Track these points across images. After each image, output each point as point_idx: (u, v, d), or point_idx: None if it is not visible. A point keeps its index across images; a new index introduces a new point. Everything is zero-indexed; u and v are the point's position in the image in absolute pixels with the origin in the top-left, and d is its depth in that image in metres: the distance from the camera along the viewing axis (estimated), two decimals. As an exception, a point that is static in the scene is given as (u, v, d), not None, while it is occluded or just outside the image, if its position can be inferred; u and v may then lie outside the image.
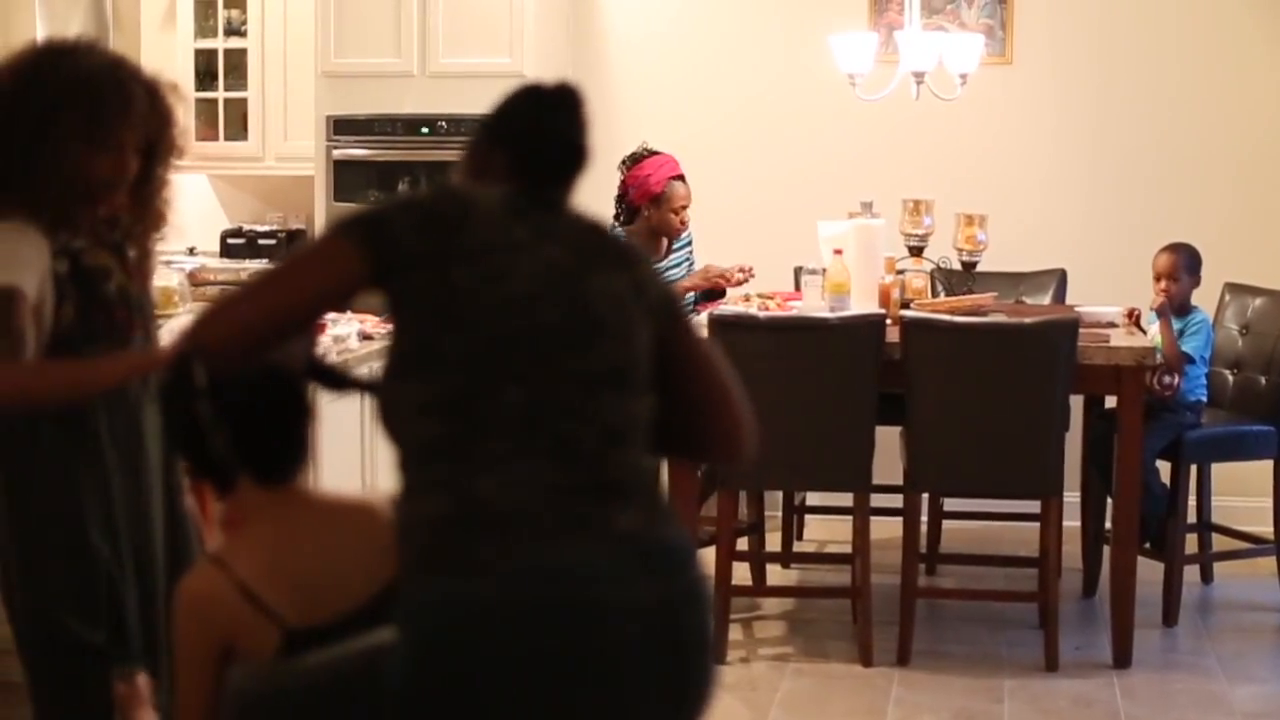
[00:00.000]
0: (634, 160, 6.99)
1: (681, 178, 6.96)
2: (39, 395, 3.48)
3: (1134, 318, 6.38)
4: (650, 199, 6.90)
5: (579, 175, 2.88)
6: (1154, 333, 6.46)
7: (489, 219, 2.69)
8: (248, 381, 2.81)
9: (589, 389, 2.62)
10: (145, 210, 3.69)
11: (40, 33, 8.22)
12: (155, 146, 3.62)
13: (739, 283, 6.89)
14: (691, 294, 6.89)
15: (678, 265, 7.08)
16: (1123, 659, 5.98)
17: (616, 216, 6.99)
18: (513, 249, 2.66)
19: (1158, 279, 6.61)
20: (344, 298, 2.74)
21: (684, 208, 6.96)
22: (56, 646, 3.60)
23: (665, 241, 7.04)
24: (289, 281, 2.71)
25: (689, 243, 7.16)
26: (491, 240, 2.66)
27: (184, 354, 2.85)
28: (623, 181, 6.98)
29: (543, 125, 2.88)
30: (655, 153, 7.02)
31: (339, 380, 2.95)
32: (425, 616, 2.52)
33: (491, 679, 2.48)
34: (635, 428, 2.66)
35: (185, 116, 3.74)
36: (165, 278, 5.61)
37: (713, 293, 6.92)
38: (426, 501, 2.56)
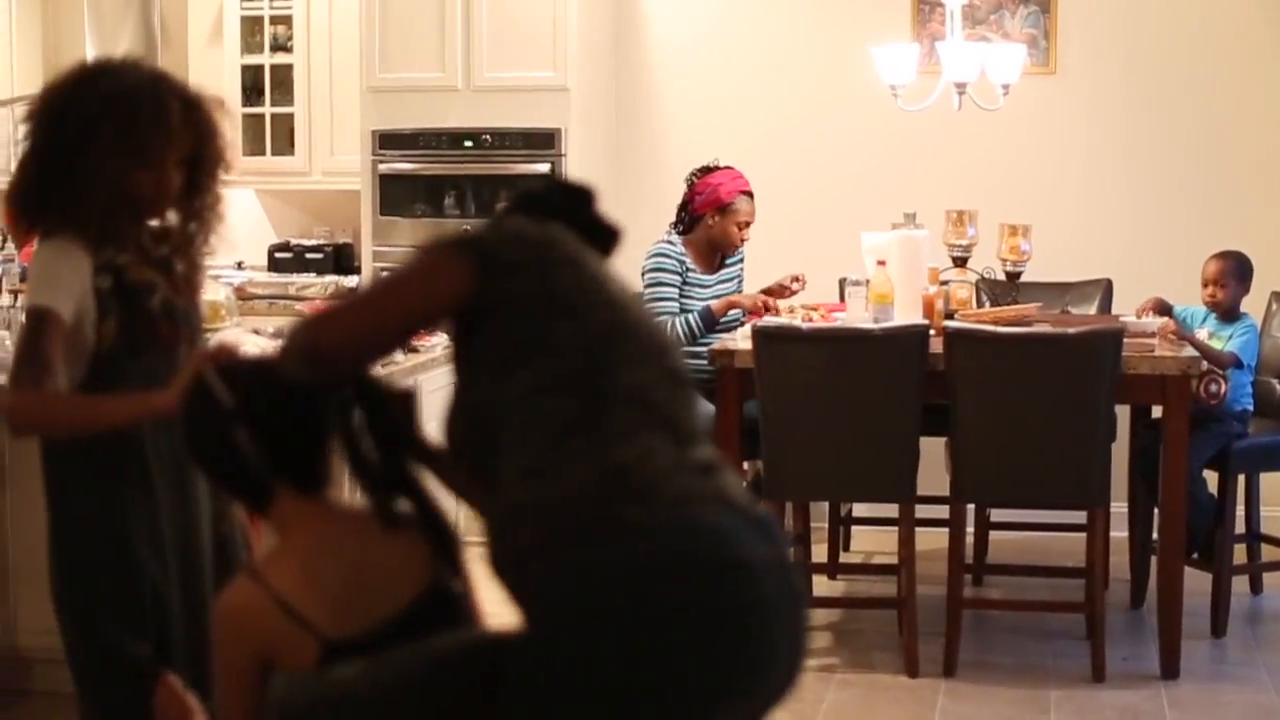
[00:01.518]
0: (705, 170, 7.02)
1: (749, 194, 6.97)
2: (54, 426, 3.52)
3: (1173, 330, 6.32)
4: (717, 208, 6.92)
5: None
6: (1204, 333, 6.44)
7: (573, 242, 2.89)
8: (271, 394, 2.84)
9: (677, 384, 2.82)
10: (192, 224, 3.71)
11: (90, 51, 8.30)
12: (200, 161, 3.64)
13: (792, 294, 6.88)
14: (738, 311, 6.88)
15: (728, 281, 7.08)
16: (1171, 670, 5.95)
17: (676, 224, 7.01)
18: (598, 266, 2.89)
19: (1205, 285, 6.58)
20: (450, 309, 2.81)
21: (748, 224, 6.98)
22: (103, 660, 3.62)
23: (719, 257, 7.05)
24: (400, 292, 2.83)
25: (740, 259, 7.16)
26: (582, 256, 2.87)
27: (200, 375, 2.88)
28: (690, 189, 7.00)
29: (587, 214, 3.04)
30: (727, 167, 7.03)
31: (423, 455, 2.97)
32: (585, 583, 2.56)
33: (663, 635, 2.55)
34: (707, 429, 2.86)
35: (231, 131, 3.76)
36: (213, 292, 5.66)
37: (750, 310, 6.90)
38: (564, 477, 2.63)
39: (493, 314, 2.75)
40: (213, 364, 2.99)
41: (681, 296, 6.89)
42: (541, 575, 2.60)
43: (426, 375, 5.72)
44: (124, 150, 3.51)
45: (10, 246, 5.88)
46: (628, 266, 3.14)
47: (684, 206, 7.02)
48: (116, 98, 3.52)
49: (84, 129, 3.50)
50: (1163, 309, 6.57)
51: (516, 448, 2.68)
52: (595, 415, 2.68)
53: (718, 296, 6.94)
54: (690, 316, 6.79)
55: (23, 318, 3.54)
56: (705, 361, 6.25)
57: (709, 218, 6.94)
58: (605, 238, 3.03)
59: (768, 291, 6.93)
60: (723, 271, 7.09)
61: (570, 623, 2.57)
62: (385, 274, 2.89)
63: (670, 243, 6.94)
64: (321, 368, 2.80)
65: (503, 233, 2.85)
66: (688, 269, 6.92)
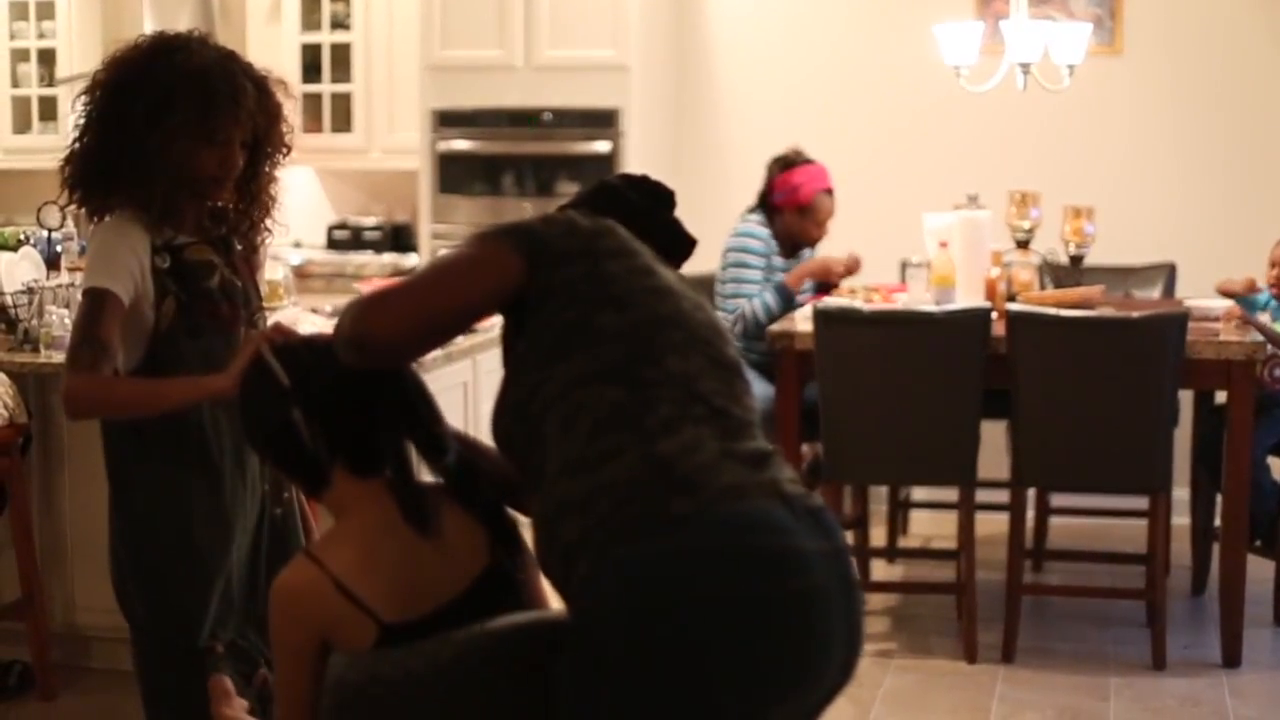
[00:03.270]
0: (785, 165, 6.96)
1: (830, 191, 6.94)
2: (111, 409, 3.53)
3: (1238, 315, 6.24)
4: (796, 207, 6.90)
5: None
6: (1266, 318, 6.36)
7: (625, 234, 2.86)
8: (329, 375, 2.82)
9: (727, 373, 2.77)
10: (252, 205, 3.70)
11: (148, 26, 8.31)
12: (262, 142, 3.63)
13: (850, 273, 6.85)
14: (808, 283, 6.85)
15: (800, 261, 7.04)
16: (1232, 658, 5.90)
17: (756, 209, 6.97)
18: (650, 258, 2.84)
19: (1273, 266, 6.50)
20: (502, 299, 2.77)
21: (826, 221, 6.95)
22: (163, 642, 3.63)
23: (793, 247, 7.03)
24: (452, 281, 2.78)
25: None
26: (633, 247, 2.83)
27: (258, 354, 2.86)
28: (770, 182, 6.97)
29: (665, 219, 3.04)
30: (808, 161, 6.98)
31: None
32: (633, 577, 2.53)
33: (714, 625, 2.51)
34: (758, 418, 2.79)
35: (294, 114, 3.74)
36: (271, 271, 5.65)
37: (823, 284, 6.88)
38: (608, 470, 2.59)
39: (541, 305, 2.72)
40: (270, 344, 2.97)
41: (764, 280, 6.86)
42: (588, 573, 2.57)
43: (484, 355, 5.70)
44: (195, 129, 3.49)
45: (70, 223, 5.88)
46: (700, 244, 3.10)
47: (764, 197, 6.98)
48: (191, 74, 3.50)
49: (157, 105, 3.48)
50: (1252, 289, 6.46)
51: (560, 441, 2.65)
52: (640, 406, 2.64)
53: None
54: (768, 295, 6.76)
55: (79, 297, 3.52)
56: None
57: (787, 214, 6.91)
58: (680, 246, 3.02)
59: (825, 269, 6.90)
60: (799, 255, 7.05)
61: (618, 620, 2.53)
62: (436, 261, 2.85)
63: (757, 224, 6.90)
64: (370, 355, 2.77)
65: (554, 223, 2.82)
66: (771, 254, 6.88)
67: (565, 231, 2.79)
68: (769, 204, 6.96)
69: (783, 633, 2.56)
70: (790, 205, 6.90)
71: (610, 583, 2.54)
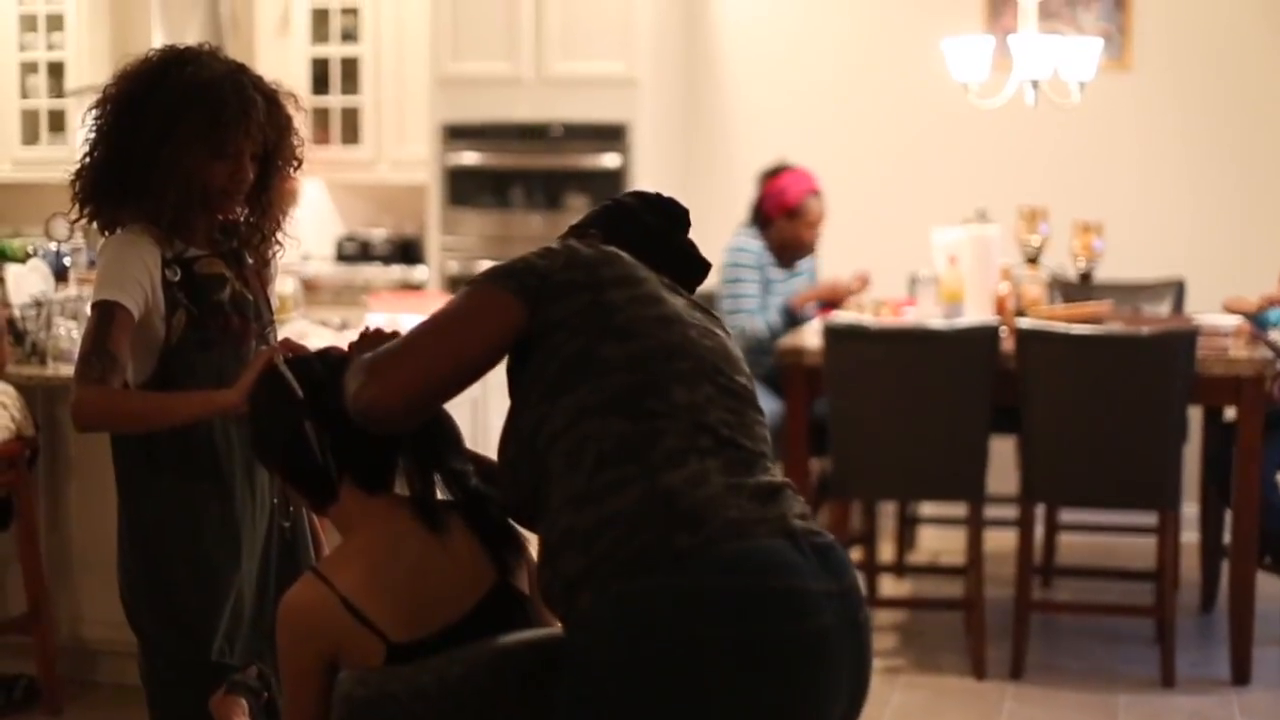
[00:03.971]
0: (771, 174, 7.00)
1: (817, 193, 6.95)
2: (119, 423, 3.51)
3: (1248, 332, 6.22)
4: (785, 212, 6.92)
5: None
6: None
7: (629, 262, 2.81)
8: (341, 390, 2.80)
9: (737, 403, 2.73)
10: (263, 218, 3.69)
11: (157, 39, 8.32)
12: (273, 155, 3.62)
13: (856, 292, 6.85)
14: (812, 304, 6.86)
15: (801, 275, 7.06)
16: (1241, 676, 5.88)
17: (749, 224, 6.99)
18: (656, 286, 2.79)
19: (1281, 280, 6.49)
20: (508, 344, 2.73)
21: (817, 224, 6.96)
22: (173, 657, 3.62)
23: (793, 257, 7.03)
24: (451, 341, 2.73)
25: (811, 253, 7.14)
26: (637, 275, 2.78)
27: (272, 365, 2.85)
28: (759, 190, 7.02)
29: (679, 241, 3.02)
30: (792, 167, 7.01)
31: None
32: (632, 613, 2.51)
33: (714, 665, 2.48)
34: (770, 448, 2.76)
35: (304, 127, 3.74)
36: (279, 283, 5.64)
37: (830, 301, 6.88)
38: (610, 503, 2.56)
39: (545, 337, 2.69)
40: (284, 356, 2.97)
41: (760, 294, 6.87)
42: (588, 607, 2.55)
43: (494, 372, 5.68)
44: (205, 142, 3.49)
45: (79, 236, 5.88)
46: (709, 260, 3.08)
47: (756, 208, 7.01)
48: (202, 87, 3.49)
49: (169, 118, 3.47)
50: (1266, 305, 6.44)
51: (565, 473, 2.62)
52: (644, 438, 2.60)
53: (791, 294, 6.91)
54: (772, 313, 6.78)
55: (88, 309, 3.52)
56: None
57: (779, 221, 6.93)
58: (694, 269, 2.99)
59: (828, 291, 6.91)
60: (796, 267, 7.08)
61: (616, 657, 2.51)
62: (435, 317, 2.76)
63: (749, 238, 6.91)
64: (377, 425, 2.73)
65: (554, 255, 2.76)
66: (765, 266, 6.90)
67: (566, 263, 2.74)
68: (761, 216, 7.00)
69: (784, 674, 2.52)
70: (779, 210, 6.94)
71: (610, 618, 2.52)
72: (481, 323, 2.71)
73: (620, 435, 2.60)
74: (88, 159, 3.57)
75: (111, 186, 3.55)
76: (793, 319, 6.76)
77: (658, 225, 2.99)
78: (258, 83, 3.60)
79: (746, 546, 2.54)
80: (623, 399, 2.63)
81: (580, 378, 2.65)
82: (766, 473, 2.67)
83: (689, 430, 2.62)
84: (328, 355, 2.99)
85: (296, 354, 3.03)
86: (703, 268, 3.01)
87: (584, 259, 2.76)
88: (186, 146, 3.47)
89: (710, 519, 2.54)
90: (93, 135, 3.58)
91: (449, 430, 2.91)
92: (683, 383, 2.67)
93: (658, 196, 3.06)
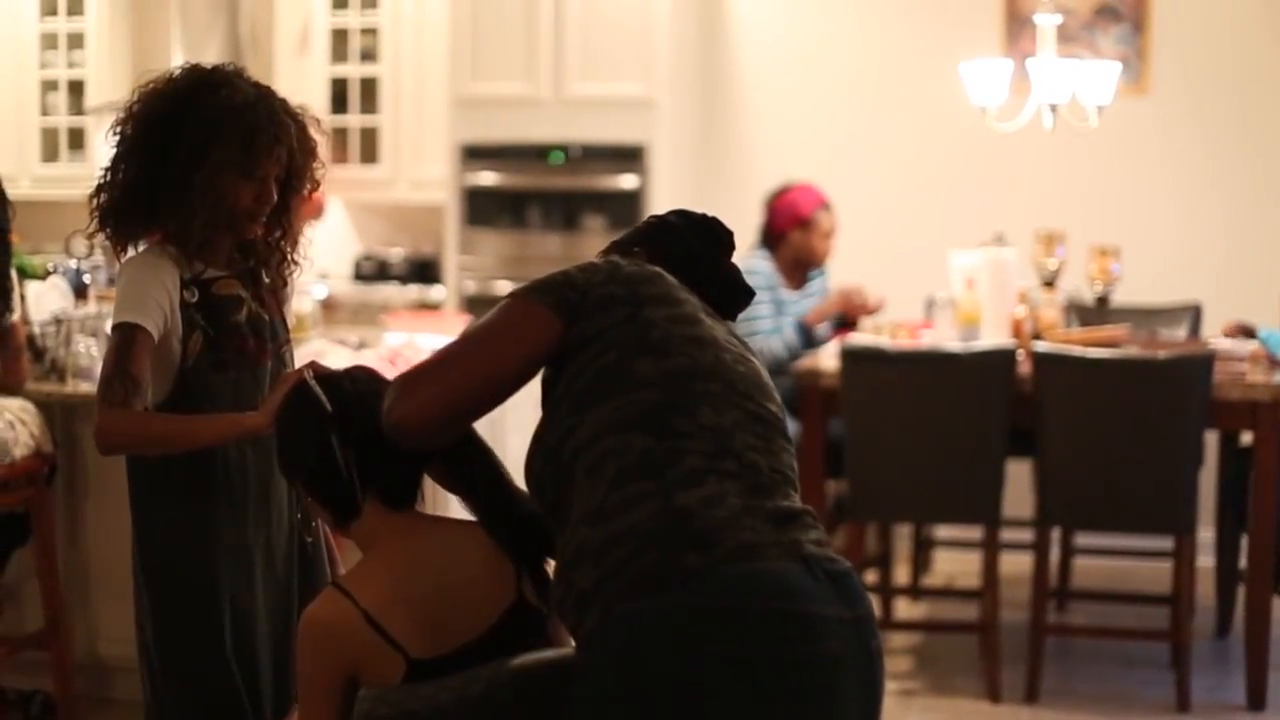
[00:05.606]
0: (779, 192, 7.06)
1: (827, 206, 6.98)
2: (144, 446, 3.52)
3: (1265, 357, 6.19)
4: (798, 223, 6.95)
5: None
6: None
7: (670, 282, 2.81)
8: (370, 404, 2.82)
9: (765, 429, 2.72)
10: (282, 238, 3.71)
11: (177, 57, 8.34)
12: (294, 177, 3.64)
13: (872, 312, 6.86)
14: (827, 321, 6.87)
15: (814, 296, 7.07)
16: (1257, 701, 5.87)
17: (759, 246, 7.00)
18: (695, 308, 2.79)
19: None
20: (542, 359, 2.74)
21: (830, 234, 6.98)
22: (185, 680, 3.61)
23: (804, 272, 7.05)
24: (487, 351, 2.72)
25: (823, 274, 7.16)
26: (678, 296, 2.78)
27: (301, 381, 2.86)
28: (769, 209, 7.04)
29: (722, 266, 3.01)
30: (800, 184, 7.07)
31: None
32: (638, 632, 2.49)
33: (716, 687, 2.47)
34: (795, 476, 2.74)
35: (324, 149, 3.75)
36: (297, 302, 5.66)
37: (844, 320, 6.89)
38: (624, 518, 2.55)
39: (580, 349, 2.69)
40: (312, 373, 2.99)
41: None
42: (596, 624, 2.54)
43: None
44: (239, 166, 3.50)
45: (98, 253, 5.89)
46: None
47: (766, 227, 7.03)
48: (237, 111, 3.50)
49: (203, 141, 3.48)
50: (1248, 331, 6.46)
51: (586, 486, 2.61)
52: (666, 456, 2.59)
53: (803, 313, 6.92)
54: (788, 333, 6.79)
55: (108, 328, 3.53)
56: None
57: (792, 234, 6.95)
58: (736, 295, 2.99)
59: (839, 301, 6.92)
60: (807, 287, 7.09)
61: (621, 676, 2.50)
62: (470, 331, 2.76)
63: (758, 259, 6.93)
64: (408, 443, 2.74)
65: (595, 270, 2.77)
66: (775, 287, 6.91)
67: (607, 278, 2.74)
68: (772, 234, 7.03)
69: (790, 699, 2.50)
70: (792, 223, 6.97)
71: (616, 636, 2.51)
72: (517, 338, 2.71)
73: (642, 452, 2.59)
74: (114, 176, 3.57)
75: (138, 206, 3.55)
76: (809, 337, 6.77)
77: (702, 248, 2.98)
78: (286, 106, 3.61)
79: (756, 568, 2.53)
80: (649, 416, 2.62)
81: (610, 392, 2.65)
82: (787, 498, 2.66)
83: (712, 452, 2.61)
84: (354, 373, 3.01)
85: (327, 372, 3.04)
86: (746, 294, 3.00)
87: (625, 275, 2.76)
88: (219, 170, 3.49)
89: (722, 540, 2.52)
90: (116, 153, 3.58)
91: (482, 448, 2.92)
92: (711, 404, 2.66)
93: (703, 218, 3.05)
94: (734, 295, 2.99)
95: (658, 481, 2.57)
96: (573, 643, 2.80)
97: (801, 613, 2.52)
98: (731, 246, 3.03)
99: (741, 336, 2.89)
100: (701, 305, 2.82)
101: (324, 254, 8.11)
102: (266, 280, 3.71)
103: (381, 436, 2.79)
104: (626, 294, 2.72)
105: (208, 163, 3.47)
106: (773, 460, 2.69)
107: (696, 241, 2.99)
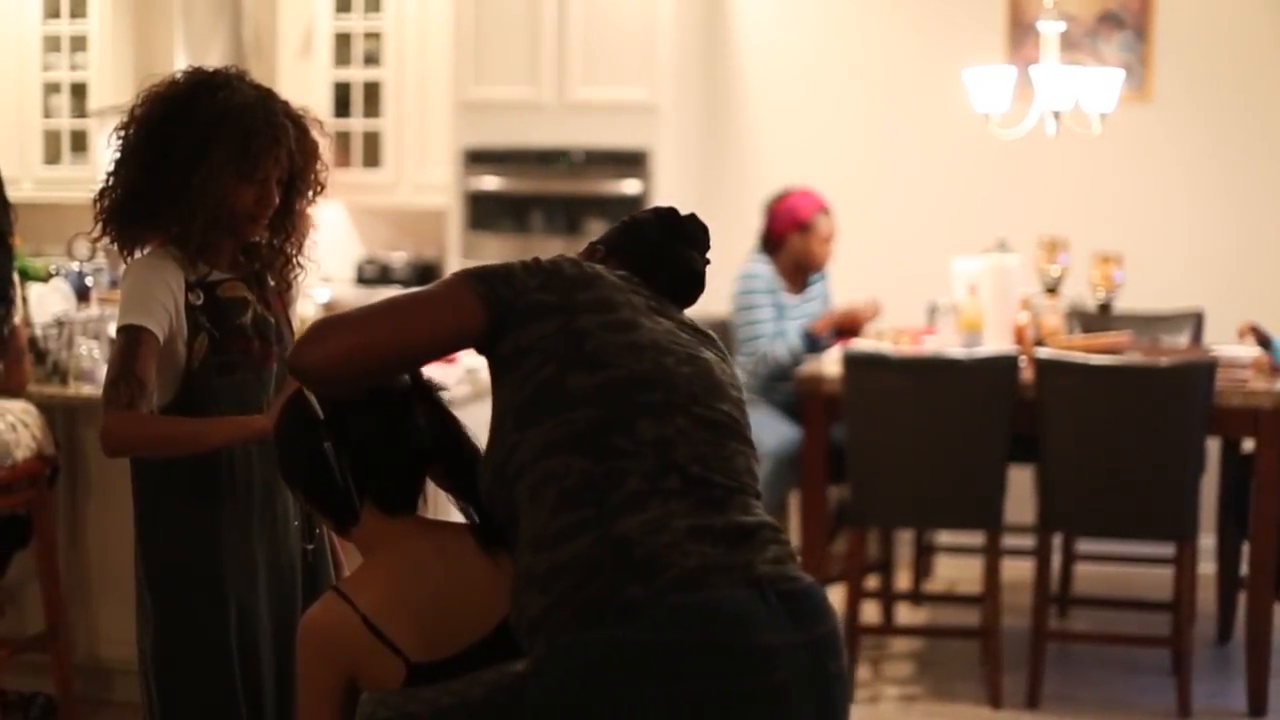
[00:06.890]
0: (778, 197, 7.06)
1: (827, 211, 6.99)
2: (150, 448, 3.52)
3: (1267, 363, 6.19)
4: (798, 227, 6.95)
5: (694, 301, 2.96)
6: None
7: (610, 284, 2.73)
8: (366, 411, 2.82)
9: (715, 436, 2.63)
10: (286, 241, 3.71)
11: (180, 60, 8.35)
12: (297, 180, 3.64)
13: (873, 318, 6.86)
14: (830, 331, 6.87)
15: (813, 300, 7.07)
16: (1258, 707, 5.87)
17: (758, 250, 7.01)
18: (634, 310, 2.70)
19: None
20: (456, 346, 2.73)
21: (830, 239, 6.98)
22: (186, 683, 3.61)
23: (804, 277, 7.05)
24: (406, 319, 2.68)
25: (823, 278, 7.16)
26: (615, 299, 2.70)
27: (298, 389, 2.86)
28: (768, 213, 7.05)
29: (675, 253, 2.92)
30: (799, 189, 7.08)
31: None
32: (579, 665, 2.45)
33: None
34: (754, 481, 2.67)
35: (327, 153, 3.75)
36: (302, 305, 5.66)
37: (844, 328, 6.89)
38: (566, 548, 2.50)
39: (517, 361, 2.63)
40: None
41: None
42: (541, 654, 2.51)
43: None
44: (237, 167, 3.50)
45: (100, 256, 5.89)
46: (716, 293, 3.07)
47: (766, 232, 7.03)
48: (235, 113, 3.50)
49: (201, 142, 3.48)
50: (1261, 337, 6.45)
51: (529, 511, 2.57)
52: (606, 479, 2.52)
53: (805, 318, 6.92)
54: (792, 338, 6.78)
55: (111, 331, 3.52)
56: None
57: (791, 238, 6.96)
58: (685, 283, 2.91)
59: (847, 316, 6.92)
60: (807, 292, 7.09)
61: (566, 711, 2.46)
62: (398, 294, 2.74)
63: (758, 263, 6.94)
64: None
65: (535, 272, 2.70)
66: (776, 291, 6.91)
67: (543, 283, 2.67)
68: (772, 238, 7.03)
69: None
70: (792, 228, 6.97)
71: (558, 669, 2.48)
72: (436, 318, 2.67)
73: (582, 474, 2.53)
74: (115, 180, 3.58)
75: (139, 208, 3.55)
76: (813, 344, 6.77)
77: (657, 238, 2.91)
78: (286, 108, 3.61)
79: (701, 599, 2.46)
80: (587, 436, 2.55)
81: (547, 410, 2.59)
82: (744, 511, 2.59)
83: (654, 471, 2.54)
84: None
85: None
86: (694, 282, 2.92)
87: (563, 279, 2.69)
88: (217, 171, 3.48)
89: (665, 569, 2.46)
90: (120, 156, 3.58)
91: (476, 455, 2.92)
92: (651, 416, 2.59)
93: (671, 211, 2.99)
94: (683, 282, 2.90)
95: (596, 509, 2.51)
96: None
97: (747, 646, 2.46)
98: (695, 239, 2.94)
99: (700, 328, 2.82)
100: (646, 304, 2.74)
101: (326, 258, 8.10)
102: (271, 283, 3.71)
103: (377, 443, 2.80)
104: (560, 301, 2.65)
105: (206, 164, 3.47)
106: (724, 469, 2.61)
107: (654, 232, 2.92)
